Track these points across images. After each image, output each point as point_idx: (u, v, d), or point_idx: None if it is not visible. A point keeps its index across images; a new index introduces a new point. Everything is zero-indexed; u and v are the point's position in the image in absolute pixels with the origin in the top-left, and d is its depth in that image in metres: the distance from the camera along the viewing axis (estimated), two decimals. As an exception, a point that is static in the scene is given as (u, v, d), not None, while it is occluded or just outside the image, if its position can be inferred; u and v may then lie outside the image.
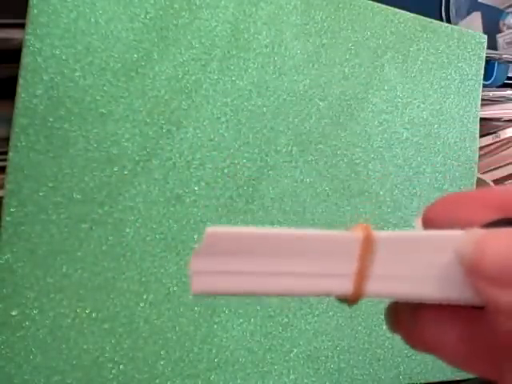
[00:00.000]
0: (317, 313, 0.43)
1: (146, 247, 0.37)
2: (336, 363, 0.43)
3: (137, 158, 0.37)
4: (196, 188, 0.39)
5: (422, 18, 0.50)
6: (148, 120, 0.38)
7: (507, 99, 0.66)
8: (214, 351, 0.39)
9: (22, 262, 0.33)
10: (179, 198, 0.38)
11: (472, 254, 0.13)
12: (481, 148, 0.56)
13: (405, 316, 0.16)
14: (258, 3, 0.42)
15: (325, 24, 0.45)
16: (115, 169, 0.37)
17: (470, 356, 0.15)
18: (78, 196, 0.35)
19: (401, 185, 0.48)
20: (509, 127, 0.63)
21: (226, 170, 0.40)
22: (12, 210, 0.33)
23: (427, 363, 0.47)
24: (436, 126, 0.50)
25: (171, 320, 0.38)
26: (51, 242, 0.34)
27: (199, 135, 0.39)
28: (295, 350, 0.42)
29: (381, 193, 0.47)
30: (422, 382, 0.47)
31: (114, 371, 0.35)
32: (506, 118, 0.62)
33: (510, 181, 0.63)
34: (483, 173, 0.62)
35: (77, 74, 0.36)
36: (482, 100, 0.55)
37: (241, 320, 0.40)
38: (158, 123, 0.38)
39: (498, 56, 0.73)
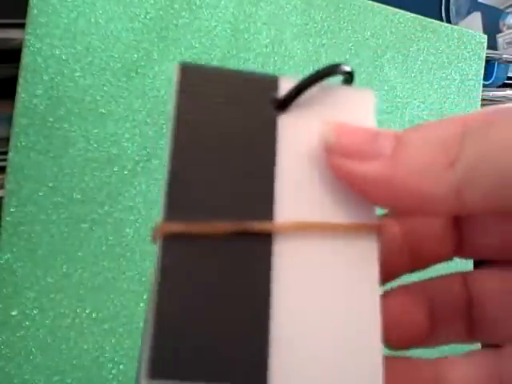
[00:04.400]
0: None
1: (145, 247, 0.37)
2: (336, 363, 0.43)
3: (137, 158, 0.37)
4: (196, 188, 0.39)
5: (422, 17, 0.50)
6: (148, 120, 0.38)
7: (507, 99, 0.66)
8: (214, 351, 0.39)
9: (22, 262, 0.33)
10: (179, 198, 0.38)
11: (332, 137, 0.14)
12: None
13: None
14: (258, 3, 0.42)
15: (325, 24, 0.45)
16: (115, 169, 0.37)
17: None
18: (78, 196, 0.35)
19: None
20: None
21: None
22: (12, 209, 0.33)
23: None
24: (436, 125, 0.50)
25: (171, 320, 0.37)
26: (51, 242, 0.34)
27: (199, 135, 0.39)
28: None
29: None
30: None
31: (113, 371, 0.35)
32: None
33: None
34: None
35: (77, 74, 0.36)
36: (482, 100, 0.55)
37: (241, 320, 0.40)
38: (158, 123, 0.38)
39: (497, 56, 0.73)
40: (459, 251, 0.17)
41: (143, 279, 0.37)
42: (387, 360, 0.14)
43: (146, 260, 0.37)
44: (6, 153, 0.34)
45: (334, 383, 0.12)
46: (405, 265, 0.17)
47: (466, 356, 0.15)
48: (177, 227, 0.13)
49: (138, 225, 0.37)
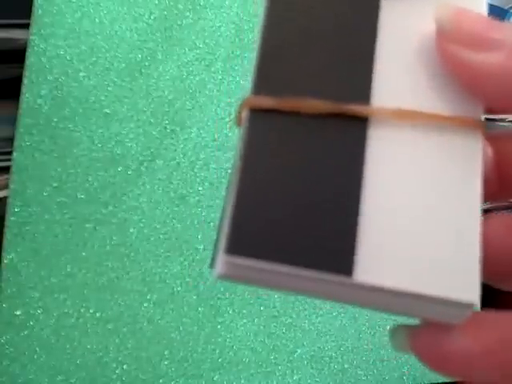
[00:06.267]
0: (321, 313, 0.43)
1: (149, 247, 0.37)
2: (340, 364, 0.43)
3: (141, 158, 0.37)
4: (200, 188, 0.39)
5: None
6: (152, 120, 0.38)
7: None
8: (217, 351, 0.39)
9: (26, 262, 0.34)
10: (183, 198, 0.38)
11: (449, 22, 0.13)
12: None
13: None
14: (263, 3, 0.42)
15: (329, 24, 0.45)
16: (119, 169, 0.37)
17: None
18: (82, 196, 0.35)
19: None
20: (513, 127, 0.62)
21: (230, 171, 0.40)
22: (16, 209, 0.33)
23: (431, 364, 0.47)
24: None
25: (175, 320, 0.38)
26: (55, 242, 0.34)
27: (203, 135, 0.39)
28: (299, 351, 0.42)
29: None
30: (426, 382, 0.47)
31: (117, 371, 0.35)
32: (511, 119, 0.62)
33: None
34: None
35: (81, 74, 0.36)
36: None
37: (245, 320, 0.40)
38: (162, 123, 0.38)
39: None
40: None
41: (147, 279, 0.37)
42: None
43: (150, 260, 0.37)
44: (10, 153, 0.34)
45: (425, 268, 0.11)
46: (492, 191, 0.15)
47: None
48: (266, 101, 0.12)
49: (142, 225, 0.37)
